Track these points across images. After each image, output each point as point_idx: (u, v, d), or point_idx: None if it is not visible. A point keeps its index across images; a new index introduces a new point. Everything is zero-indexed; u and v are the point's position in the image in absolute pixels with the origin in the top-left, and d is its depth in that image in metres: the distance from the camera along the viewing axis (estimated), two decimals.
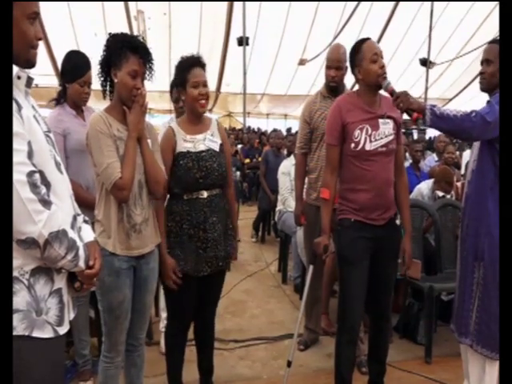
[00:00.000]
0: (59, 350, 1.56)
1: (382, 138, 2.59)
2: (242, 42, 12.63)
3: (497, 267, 2.28)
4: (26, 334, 1.40)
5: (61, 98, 2.87)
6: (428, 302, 3.54)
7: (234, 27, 14.92)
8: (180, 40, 15.04)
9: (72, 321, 1.60)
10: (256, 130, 17.78)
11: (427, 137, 12.73)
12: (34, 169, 1.37)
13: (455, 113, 2.30)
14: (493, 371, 2.36)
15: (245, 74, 12.77)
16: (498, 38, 2.43)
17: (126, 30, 13.21)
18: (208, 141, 2.56)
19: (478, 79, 2.54)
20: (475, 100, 10.90)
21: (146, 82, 2.23)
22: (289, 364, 2.84)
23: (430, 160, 6.62)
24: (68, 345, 3.00)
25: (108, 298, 2.21)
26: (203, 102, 2.51)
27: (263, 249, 6.60)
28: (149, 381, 2.96)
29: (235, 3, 14.27)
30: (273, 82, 18.40)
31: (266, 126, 20.37)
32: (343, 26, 14.24)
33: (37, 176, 1.37)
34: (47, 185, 1.44)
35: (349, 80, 3.26)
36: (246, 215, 7.72)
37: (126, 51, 2.11)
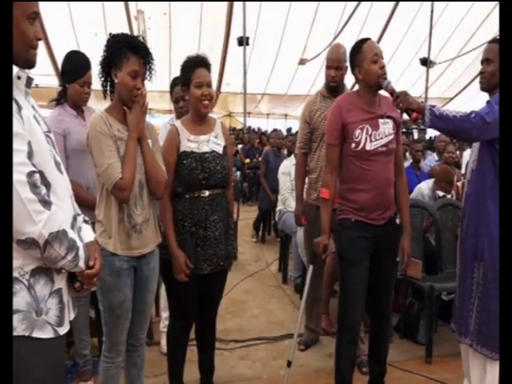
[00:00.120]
0: (59, 350, 1.56)
1: (382, 138, 2.59)
2: (243, 41, 12.63)
3: (497, 267, 2.28)
4: (26, 334, 1.40)
5: (61, 98, 2.88)
6: (428, 302, 3.53)
7: (234, 27, 14.91)
8: (180, 40, 15.04)
9: (72, 321, 1.60)
10: (256, 129, 17.78)
11: (427, 136, 12.72)
12: (34, 169, 1.36)
13: (454, 113, 2.30)
14: (494, 371, 2.36)
15: (245, 73, 12.76)
16: (498, 37, 2.43)
17: (126, 30, 13.22)
18: (212, 143, 2.56)
19: (478, 79, 2.54)
20: (475, 99, 10.91)
21: (146, 82, 2.23)
22: (289, 364, 2.84)
23: (431, 160, 6.62)
24: (68, 345, 2.99)
25: (109, 298, 2.21)
26: (206, 102, 2.50)
27: (263, 249, 6.60)
28: (149, 381, 2.96)
29: (235, 3, 14.27)
30: (273, 81, 18.39)
31: (267, 125, 20.37)
32: (343, 26, 14.24)
33: (37, 176, 1.37)
34: (47, 185, 1.44)
35: (349, 80, 3.26)
36: (247, 215, 7.72)
37: (127, 51, 2.11)
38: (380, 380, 2.89)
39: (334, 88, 3.32)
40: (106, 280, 2.15)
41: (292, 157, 5.33)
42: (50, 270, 1.46)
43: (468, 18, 15.95)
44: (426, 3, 14.60)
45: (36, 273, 1.42)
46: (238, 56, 13.30)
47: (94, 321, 3.20)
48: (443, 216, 4.01)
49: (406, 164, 5.74)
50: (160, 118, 16.88)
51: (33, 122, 1.43)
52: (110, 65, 2.17)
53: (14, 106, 1.36)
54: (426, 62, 15.11)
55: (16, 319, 1.38)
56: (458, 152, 6.86)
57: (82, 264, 1.51)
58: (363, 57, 2.54)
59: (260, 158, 8.68)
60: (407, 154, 6.48)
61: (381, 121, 2.61)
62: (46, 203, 1.38)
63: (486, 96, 2.49)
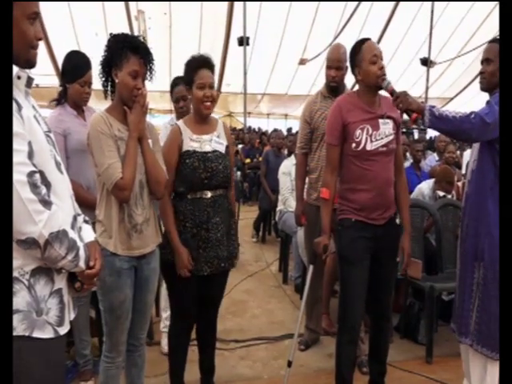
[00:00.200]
0: (60, 350, 1.56)
1: (382, 138, 2.59)
2: (243, 41, 12.61)
3: (497, 267, 2.27)
4: (27, 334, 1.40)
5: (61, 98, 2.88)
6: (429, 302, 3.53)
7: (235, 27, 14.90)
8: (180, 40, 15.03)
9: (73, 321, 1.60)
10: (257, 129, 17.78)
11: (428, 136, 12.72)
12: (34, 169, 1.36)
13: (454, 114, 2.30)
14: (494, 371, 2.36)
15: (245, 73, 12.74)
16: (498, 37, 2.43)
17: (127, 30, 13.21)
18: (214, 143, 2.56)
19: (478, 79, 2.54)
20: (476, 100, 10.89)
21: (146, 82, 2.24)
22: (289, 364, 2.84)
23: (431, 160, 6.62)
24: (69, 345, 3.00)
25: (109, 297, 2.21)
26: (208, 104, 2.51)
27: (264, 249, 6.60)
28: (149, 381, 2.96)
29: (236, 3, 14.25)
30: (273, 81, 18.38)
31: (267, 125, 20.36)
32: (344, 26, 14.22)
33: (37, 176, 1.37)
34: (47, 185, 1.44)
35: (349, 80, 3.26)
36: (247, 215, 7.72)
37: (127, 51, 2.11)
38: (380, 380, 2.89)
39: (334, 88, 3.32)
40: (107, 280, 2.15)
41: (292, 157, 5.33)
42: (50, 269, 1.46)
43: (468, 18, 15.94)
44: (427, 3, 14.57)
45: (36, 273, 1.42)
46: (238, 56, 13.28)
47: (95, 321, 3.20)
48: (443, 216, 4.01)
49: (407, 164, 5.74)
50: (160, 117, 16.88)
51: (33, 121, 1.43)
52: (110, 65, 2.17)
53: (14, 106, 1.36)
54: (426, 62, 15.09)
55: (16, 319, 1.38)
56: (458, 152, 6.86)
57: (82, 264, 1.51)
58: (362, 57, 2.55)
59: (260, 158, 8.68)
60: (407, 153, 6.48)
61: (381, 121, 2.61)
62: (47, 203, 1.38)
63: (486, 96, 2.49)
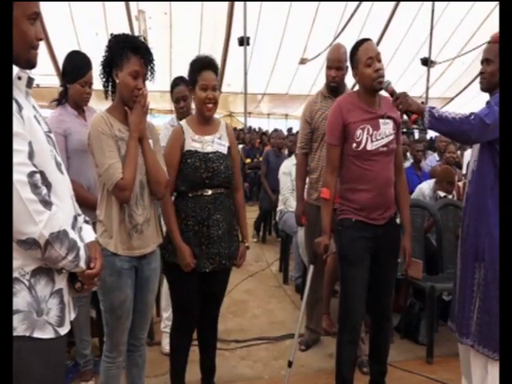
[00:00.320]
0: (60, 350, 1.56)
1: (382, 138, 2.60)
2: (243, 42, 12.61)
3: (497, 267, 2.27)
4: (27, 334, 1.40)
5: (62, 99, 2.88)
6: (429, 302, 3.53)
7: (235, 27, 14.90)
8: (181, 40, 15.05)
9: (73, 321, 1.60)
10: (257, 129, 17.77)
11: (428, 136, 12.71)
12: (34, 169, 1.36)
13: (454, 115, 2.29)
14: (495, 371, 2.36)
15: (245, 73, 12.75)
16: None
17: (127, 30, 13.24)
18: (216, 144, 2.57)
19: (478, 79, 2.54)
20: (476, 100, 10.88)
21: (147, 82, 2.24)
22: (290, 364, 2.84)
23: (432, 160, 6.63)
24: (69, 345, 3.00)
25: (110, 298, 2.21)
26: (210, 105, 2.52)
27: (264, 249, 6.61)
28: (150, 381, 2.96)
29: (236, 3, 14.26)
30: (273, 81, 18.39)
31: (267, 125, 20.35)
32: (344, 26, 14.22)
33: (37, 176, 1.37)
34: (48, 185, 1.44)
35: (349, 80, 3.25)
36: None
37: (128, 52, 2.11)
38: (381, 380, 2.89)
39: (334, 88, 3.32)
40: (107, 280, 2.15)
41: (293, 157, 5.33)
42: (50, 270, 1.46)
43: (468, 18, 15.93)
44: (427, 3, 14.58)
45: (37, 273, 1.42)
46: (238, 56, 13.29)
47: (95, 321, 3.20)
48: (444, 216, 4.01)
49: (407, 164, 5.74)
50: (161, 118, 16.89)
51: (33, 122, 1.43)
52: (111, 65, 2.18)
53: (15, 106, 1.36)
54: (426, 62, 15.09)
55: (17, 319, 1.38)
56: (458, 152, 6.86)
57: (82, 264, 1.51)
58: (358, 59, 2.56)
59: (261, 158, 8.68)
60: (408, 153, 6.48)
61: (381, 121, 2.61)
62: (47, 203, 1.38)
63: (486, 96, 2.49)
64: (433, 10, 14.29)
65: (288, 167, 5.33)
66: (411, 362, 3.44)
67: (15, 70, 1.40)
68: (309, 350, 3.63)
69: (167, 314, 3.51)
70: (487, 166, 2.38)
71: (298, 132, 4.71)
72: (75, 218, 1.59)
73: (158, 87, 2.78)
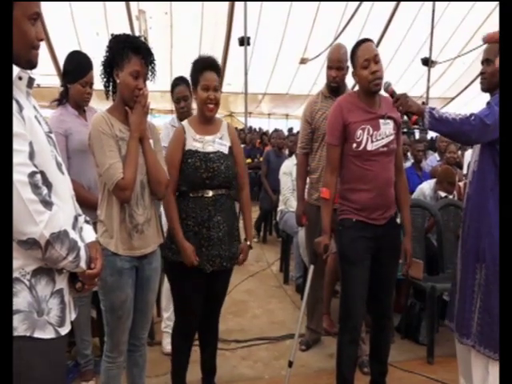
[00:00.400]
0: (61, 350, 1.56)
1: (383, 138, 2.60)
2: (244, 41, 12.61)
3: (498, 268, 2.27)
4: (28, 334, 1.40)
5: (63, 99, 2.88)
6: (430, 302, 3.54)
7: (236, 27, 14.90)
8: (181, 40, 15.04)
9: (74, 321, 1.60)
10: (257, 129, 17.77)
11: (429, 136, 12.71)
12: (35, 169, 1.36)
13: (454, 116, 2.29)
14: (496, 372, 2.35)
15: (246, 73, 12.74)
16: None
17: (128, 30, 13.24)
18: (217, 144, 2.57)
19: (479, 79, 2.53)
20: (477, 100, 10.88)
21: (147, 82, 2.24)
22: (290, 364, 2.84)
23: (432, 160, 6.63)
24: (70, 345, 3.00)
25: (110, 297, 2.21)
26: (211, 106, 2.52)
27: (265, 249, 6.60)
28: (151, 381, 2.96)
29: (236, 3, 14.25)
30: (274, 81, 18.38)
31: (268, 125, 20.34)
32: (344, 26, 14.22)
33: (38, 177, 1.37)
34: (48, 185, 1.44)
35: (350, 80, 3.25)
36: None
37: (128, 52, 2.11)
38: (381, 380, 2.89)
39: (335, 88, 3.32)
40: (108, 280, 2.16)
41: (293, 157, 5.33)
42: (51, 270, 1.46)
43: (469, 18, 15.93)
44: (427, 3, 14.56)
45: (37, 273, 1.42)
46: (239, 56, 13.28)
47: (96, 321, 3.21)
48: (445, 216, 4.01)
49: (408, 164, 5.75)
50: (161, 118, 16.88)
51: (34, 122, 1.43)
52: (111, 65, 2.18)
53: (16, 107, 1.36)
54: (427, 62, 15.08)
55: (17, 319, 1.38)
56: (459, 152, 6.86)
57: (83, 264, 1.51)
58: (356, 61, 2.58)
59: (261, 158, 8.68)
60: (409, 154, 6.48)
61: (382, 121, 2.61)
62: (47, 204, 1.38)
63: (487, 96, 2.48)
64: (433, 10, 14.27)
65: (288, 167, 5.33)
66: (412, 362, 3.44)
67: (16, 70, 1.40)
68: (309, 350, 3.63)
69: (168, 313, 3.51)
70: (488, 166, 2.38)
71: (298, 132, 4.71)
72: (76, 218, 1.59)
73: (158, 87, 2.78)
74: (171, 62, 14.79)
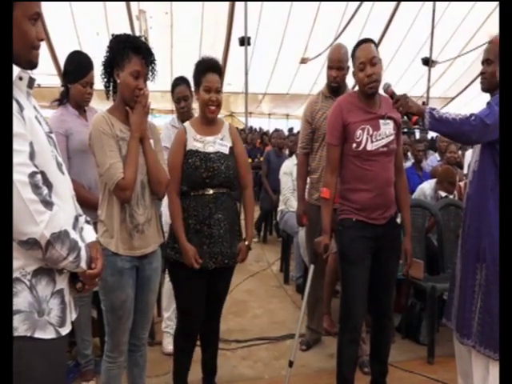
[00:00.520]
0: (61, 350, 1.56)
1: (383, 138, 2.60)
2: (244, 41, 12.60)
3: (498, 268, 2.27)
4: (28, 334, 1.40)
5: (63, 99, 2.88)
6: (430, 302, 3.54)
7: (236, 27, 14.89)
8: (182, 39, 15.04)
9: (74, 321, 1.60)
10: (258, 129, 17.77)
11: (429, 136, 12.71)
12: (35, 170, 1.36)
13: (454, 116, 2.29)
14: (496, 372, 2.35)
15: (246, 73, 12.74)
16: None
17: (128, 29, 13.25)
18: (218, 144, 2.59)
19: (479, 79, 2.53)
20: (477, 99, 10.88)
21: (148, 82, 2.24)
22: (290, 364, 2.84)
23: (432, 160, 6.63)
24: (70, 345, 3.00)
25: (111, 297, 2.21)
26: (213, 108, 2.54)
27: (265, 249, 6.60)
28: (151, 381, 2.96)
29: (237, 3, 14.24)
30: (274, 81, 18.38)
31: (268, 125, 20.34)
32: (345, 26, 14.21)
33: (38, 177, 1.37)
34: (49, 186, 1.44)
35: (350, 80, 3.25)
36: None
37: (129, 52, 2.12)
38: (382, 380, 2.89)
39: (335, 88, 3.32)
40: (108, 280, 2.16)
41: (293, 157, 5.33)
42: (51, 270, 1.46)
43: (469, 17, 15.92)
44: (428, 3, 14.56)
45: (38, 273, 1.42)
46: (239, 56, 13.27)
47: (96, 321, 3.21)
48: (445, 216, 4.01)
49: (408, 164, 5.75)
50: (162, 118, 16.87)
51: (34, 122, 1.43)
52: (112, 65, 2.18)
53: (16, 107, 1.36)
54: (427, 62, 15.08)
55: (18, 319, 1.38)
56: (459, 152, 6.86)
57: (83, 264, 1.51)
58: (354, 62, 2.59)
59: (261, 158, 8.68)
60: (409, 153, 6.48)
61: (381, 121, 2.61)
62: (48, 204, 1.38)
63: (487, 96, 2.48)
64: (434, 10, 14.27)
65: (289, 167, 5.33)
66: (412, 362, 3.44)
67: (16, 70, 1.40)
68: (310, 350, 3.63)
69: (168, 313, 3.51)
70: (488, 166, 2.38)
71: (298, 132, 4.71)
72: (76, 219, 1.59)
73: (158, 87, 2.78)
74: (171, 62, 14.79)
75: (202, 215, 2.52)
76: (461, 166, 6.24)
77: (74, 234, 1.47)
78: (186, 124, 2.65)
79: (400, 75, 16.55)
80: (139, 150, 2.20)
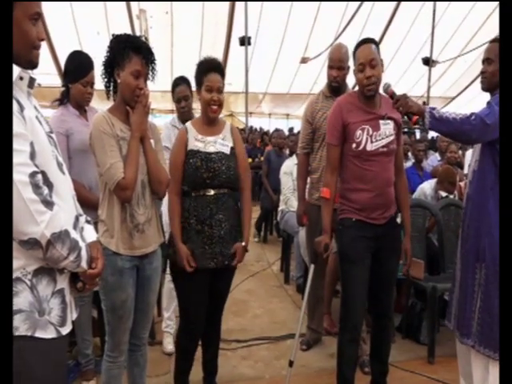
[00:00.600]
0: (62, 350, 1.56)
1: (382, 139, 2.60)
2: (244, 41, 12.61)
3: (498, 267, 2.27)
4: (29, 334, 1.40)
5: (64, 99, 2.88)
6: (431, 302, 3.54)
7: (236, 27, 14.90)
8: (182, 39, 15.05)
9: (75, 321, 1.60)
10: (258, 129, 17.77)
11: (430, 136, 12.71)
12: (36, 169, 1.37)
13: (454, 115, 2.29)
14: (496, 372, 2.35)
15: (247, 73, 12.74)
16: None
17: (128, 29, 13.26)
18: (219, 144, 2.59)
19: (479, 78, 2.53)
20: (477, 99, 10.88)
21: (148, 82, 2.24)
22: (291, 364, 2.83)
23: (433, 159, 6.63)
24: (71, 345, 3.01)
25: (111, 297, 2.21)
26: (215, 107, 2.54)
27: (265, 249, 6.60)
28: (151, 380, 2.96)
29: (237, 3, 14.25)
30: (275, 81, 18.37)
31: (268, 125, 20.33)
32: (345, 26, 14.21)
33: (39, 177, 1.37)
34: (49, 185, 1.44)
35: (351, 80, 3.25)
36: None
37: (129, 52, 2.12)
38: (382, 380, 2.89)
39: (335, 88, 3.32)
40: (109, 279, 2.16)
41: (294, 157, 5.33)
42: (52, 270, 1.46)
43: (470, 17, 15.92)
44: (428, 3, 14.57)
45: (38, 273, 1.43)
46: (239, 56, 13.28)
47: (97, 320, 3.21)
48: (446, 216, 4.01)
49: (409, 164, 5.75)
50: (162, 117, 16.87)
51: (35, 122, 1.44)
52: (112, 65, 2.18)
53: (17, 107, 1.36)
54: (428, 62, 15.08)
55: (18, 319, 1.38)
56: (460, 152, 6.86)
57: (84, 264, 1.51)
58: (354, 63, 2.58)
59: (262, 158, 8.68)
60: (409, 153, 6.48)
61: (381, 121, 2.61)
62: (48, 204, 1.38)
63: (487, 96, 2.48)
64: (434, 10, 14.28)
65: (289, 167, 5.33)
66: (413, 361, 3.44)
67: (17, 70, 1.40)
68: (310, 350, 3.63)
69: (168, 313, 3.52)
70: (488, 166, 2.38)
71: (299, 132, 4.71)
72: (77, 218, 1.59)
73: (159, 87, 2.78)
74: (172, 62, 14.80)
75: (203, 215, 2.52)
76: (461, 166, 6.24)
77: (74, 234, 1.47)
78: (188, 124, 2.65)
79: (400, 75, 16.56)
80: (140, 149, 2.20)
